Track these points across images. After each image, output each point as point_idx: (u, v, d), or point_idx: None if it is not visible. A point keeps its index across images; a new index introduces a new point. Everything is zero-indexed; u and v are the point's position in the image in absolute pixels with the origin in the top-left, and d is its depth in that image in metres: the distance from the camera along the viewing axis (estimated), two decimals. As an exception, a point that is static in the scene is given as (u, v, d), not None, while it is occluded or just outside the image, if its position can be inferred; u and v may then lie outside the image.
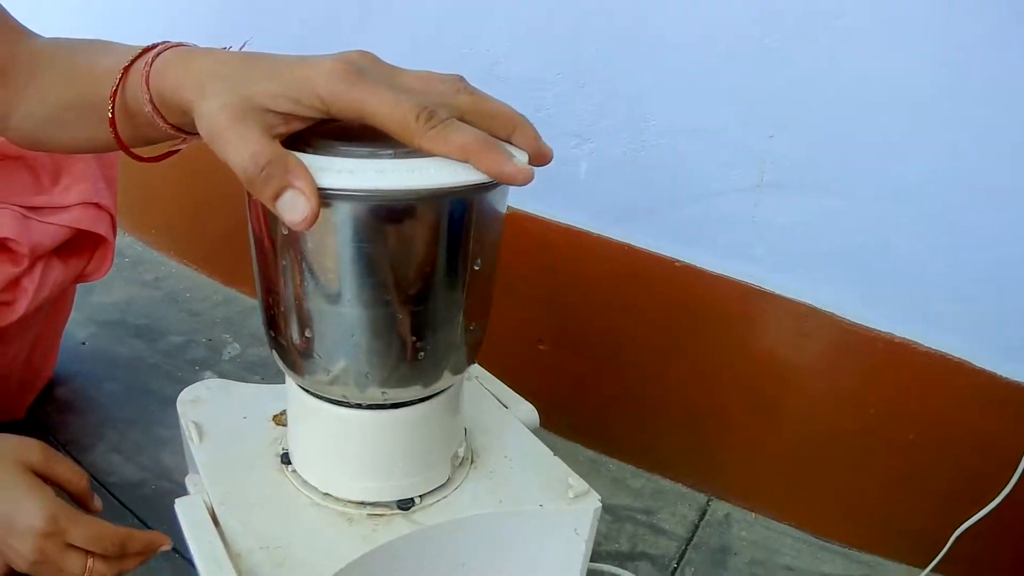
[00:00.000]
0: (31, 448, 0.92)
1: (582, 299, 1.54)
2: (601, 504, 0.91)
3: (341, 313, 0.72)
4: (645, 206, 1.44)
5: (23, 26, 0.98)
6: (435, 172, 0.65)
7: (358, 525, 0.85)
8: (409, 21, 1.58)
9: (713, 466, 1.52)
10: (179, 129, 0.80)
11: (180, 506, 0.85)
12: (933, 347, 1.26)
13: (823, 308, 1.32)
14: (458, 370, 0.83)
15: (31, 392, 1.62)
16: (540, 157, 0.71)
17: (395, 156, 0.66)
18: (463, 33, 1.52)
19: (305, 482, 0.89)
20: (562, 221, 1.51)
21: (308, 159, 0.64)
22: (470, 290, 0.76)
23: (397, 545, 0.84)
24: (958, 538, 1.27)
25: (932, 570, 1.31)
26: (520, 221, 1.50)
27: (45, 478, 0.92)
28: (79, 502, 0.94)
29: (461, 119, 0.67)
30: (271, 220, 0.71)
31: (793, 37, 1.22)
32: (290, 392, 0.88)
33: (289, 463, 0.92)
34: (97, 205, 1.38)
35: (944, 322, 1.25)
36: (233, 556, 0.78)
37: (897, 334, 1.28)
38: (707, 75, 1.31)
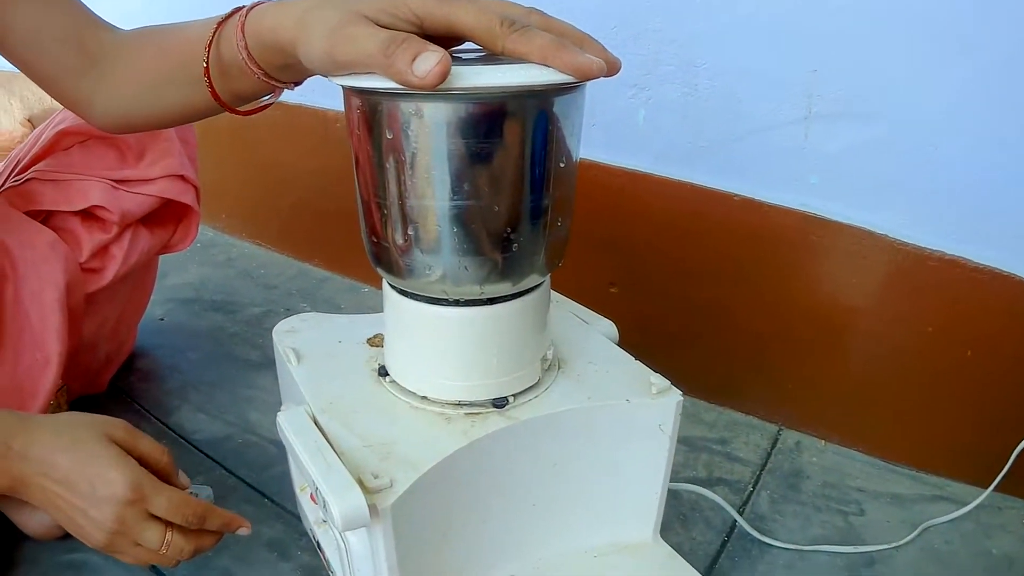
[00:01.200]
0: (115, 424, 0.95)
1: (649, 240, 1.58)
2: (682, 397, 0.96)
3: (441, 209, 0.78)
4: (702, 146, 1.47)
5: (106, 21, 1.04)
6: (521, 73, 0.71)
7: (456, 423, 0.90)
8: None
9: (782, 396, 1.56)
10: (270, 77, 0.87)
11: (282, 417, 0.90)
12: (983, 263, 1.28)
13: (877, 231, 1.35)
14: (547, 267, 0.88)
15: (114, 365, 1.66)
16: (609, 66, 0.75)
17: (483, 62, 0.72)
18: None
19: (403, 389, 0.94)
20: (625, 166, 1.55)
21: None
22: (556, 186, 0.82)
23: (493, 440, 0.89)
24: (1020, 455, 1.30)
25: (996, 489, 1.33)
26: (586, 169, 1.54)
27: (129, 453, 0.93)
28: (163, 478, 0.95)
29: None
30: (372, 127, 0.77)
31: None
32: (388, 301, 0.92)
33: (386, 375, 0.97)
34: (182, 177, 1.45)
35: (992, 238, 1.27)
36: (339, 454, 0.83)
37: (947, 251, 1.30)
38: (751, 17, 1.34)
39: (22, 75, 1.04)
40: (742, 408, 1.61)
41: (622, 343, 1.09)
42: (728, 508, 1.30)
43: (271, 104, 0.97)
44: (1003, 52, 1.16)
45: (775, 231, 1.43)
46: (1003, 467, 1.31)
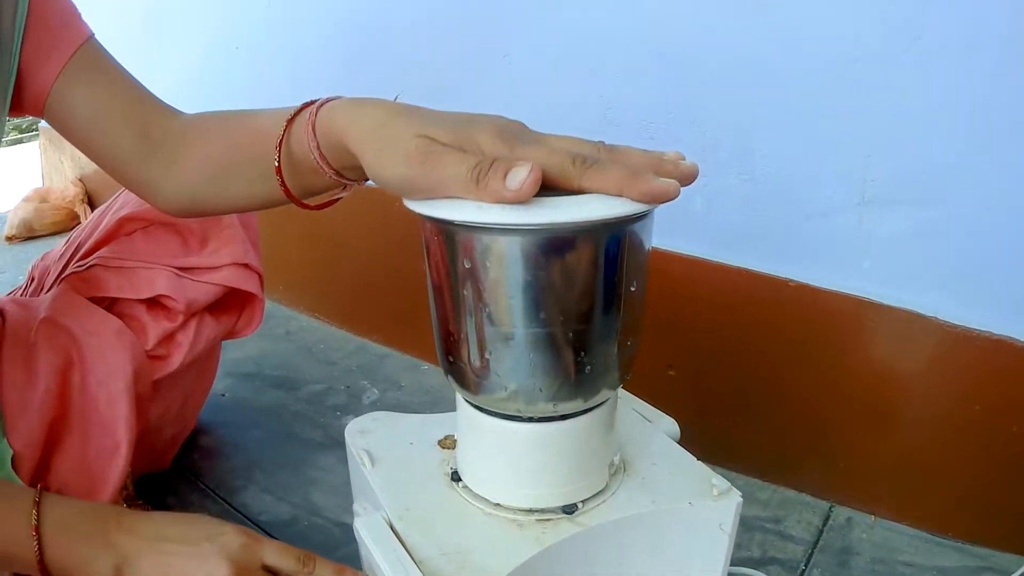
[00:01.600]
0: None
1: (705, 323, 1.61)
2: (742, 500, 0.99)
3: (518, 336, 0.81)
4: (757, 231, 1.51)
5: (169, 105, 1.08)
6: (598, 205, 0.74)
7: (528, 529, 0.92)
8: (525, 74, 1.66)
9: (834, 474, 1.58)
10: (342, 176, 0.90)
11: (360, 523, 0.93)
12: None
13: (926, 313, 1.38)
14: (616, 383, 0.91)
15: (178, 444, 1.70)
16: (686, 177, 0.78)
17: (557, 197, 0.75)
18: (577, 81, 1.61)
19: (476, 495, 0.96)
20: (682, 252, 1.59)
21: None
22: (626, 310, 0.84)
23: (564, 546, 0.91)
24: None
25: None
26: (645, 256, 1.56)
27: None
28: None
29: None
30: (451, 255, 0.80)
31: (879, 59, 1.30)
32: (462, 412, 0.95)
33: (459, 480, 0.99)
34: (246, 266, 1.48)
35: None
36: (418, 562, 0.86)
37: (995, 332, 1.33)
38: (806, 103, 1.38)
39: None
40: (795, 486, 1.63)
41: (682, 424, 1.13)
42: (784, 589, 1.31)
43: (341, 199, 1.00)
44: None
45: (829, 314, 1.46)
46: None
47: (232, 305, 1.53)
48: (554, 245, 0.76)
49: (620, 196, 0.73)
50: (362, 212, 2.10)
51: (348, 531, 1.02)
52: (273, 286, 2.36)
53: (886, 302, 1.42)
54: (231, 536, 0.95)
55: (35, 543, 0.93)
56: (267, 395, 1.99)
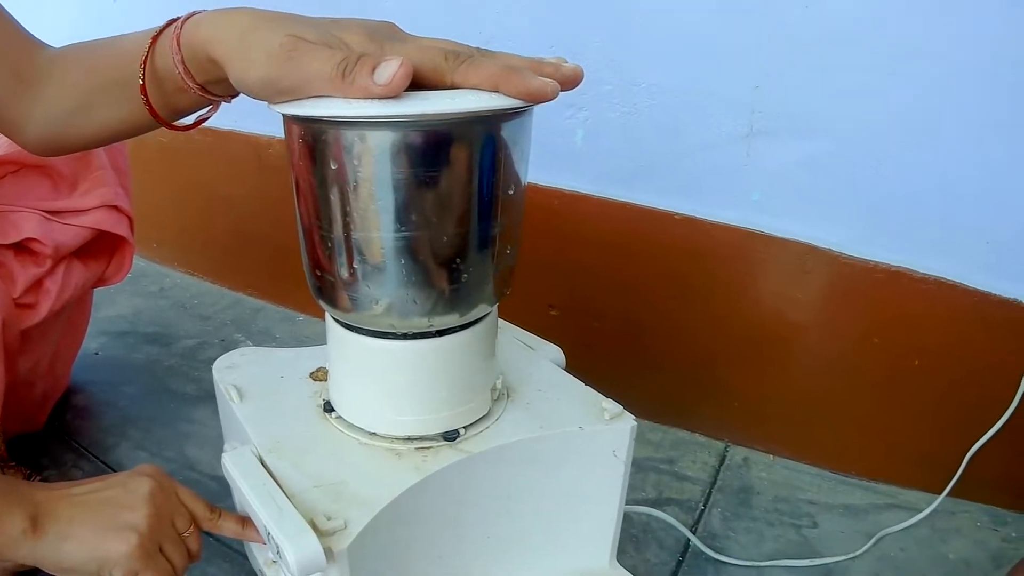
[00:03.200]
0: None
1: (588, 261, 1.57)
2: (636, 423, 0.95)
3: (388, 240, 0.76)
4: (642, 165, 1.47)
5: (37, 39, 1.01)
6: (472, 99, 0.69)
7: (407, 458, 0.87)
8: (403, 6, 1.60)
9: (728, 413, 1.55)
10: (206, 92, 0.84)
11: (228, 459, 0.88)
12: (929, 273, 1.29)
13: (821, 245, 1.35)
14: (495, 297, 0.86)
15: (51, 402, 1.63)
16: (568, 80, 0.74)
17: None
18: (455, 15, 1.56)
19: (351, 425, 0.92)
20: (564, 187, 1.55)
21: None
22: (505, 214, 0.80)
23: (446, 474, 0.87)
24: (971, 460, 1.32)
25: (949, 494, 1.34)
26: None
27: None
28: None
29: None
30: (318, 157, 0.75)
31: None
32: (333, 335, 0.90)
33: (332, 411, 0.94)
34: (116, 208, 1.40)
35: (936, 248, 1.28)
36: (290, 496, 0.81)
37: (894, 264, 1.31)
38: (692, 34, 1.34)
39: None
40: (688, 426, 1.61)
41: (567, 365, 1.08)
42: (681, 528, 1.29)
43: (208, 118, 0.95)
44: (949, 61, 1.17)
45: (718, 249, 1.43)
46: (955, 472, 1.33)
47: (102, 251, 1.46)
48: (425, 141, 0.71)
49: (496, 91, 0.69)
50: (233, 163, 2.03)
51: (225, 484, 0.97)
52: (147, 243, 2.31)
53: (777, 234, 1.38)
54: (148, 469, 0.92)
55: None
56: (141, 352, 1.92)
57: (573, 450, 0.94)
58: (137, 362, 1.87)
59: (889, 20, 1.18)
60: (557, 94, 0.71)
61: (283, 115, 0.76)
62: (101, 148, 1.38)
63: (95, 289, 1.56)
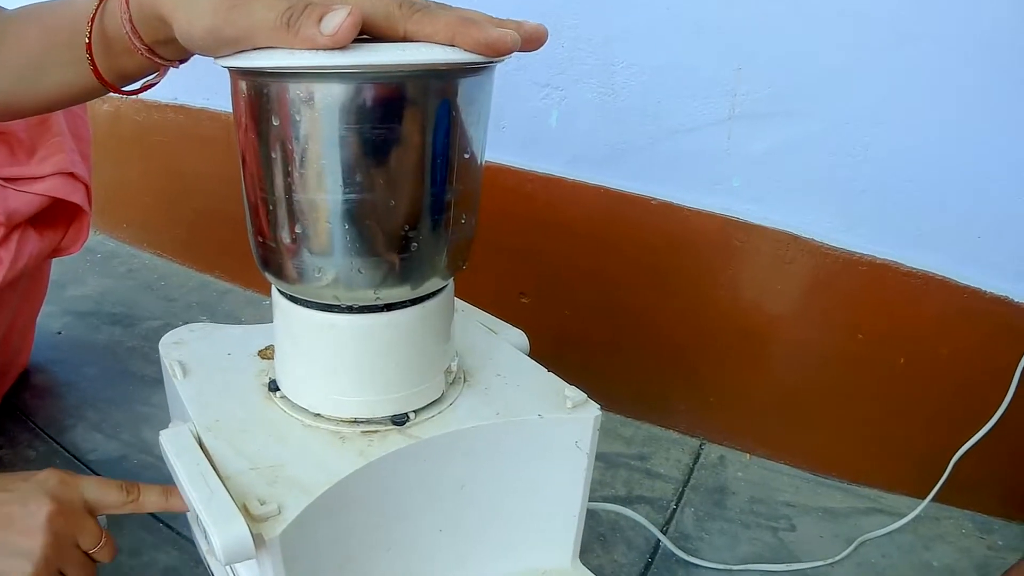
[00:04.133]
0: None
1: (561, 247, 1.53)
2: (600, 413, 0.90)
3: (332, 203, 0.71)
4: (618, 148, 1.43)
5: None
6: (425, 51, 0.65)
7: (351, 442, 0.83)
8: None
9: (704, 409, 1.52)
10: (154, 53, 0.80)
11: (164, 437, 0.84)
12: (916, 266, 1.25)
13: (804, 235, 1.31)
14: (449, 270, 0.81)
15: (8, 379, 1.59)
16: (531, 37, 0.69)
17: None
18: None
19: (294, 405, 0.87)
20: (537, 170, 1.50)
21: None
22: (460, 179, 0.75)
23: (392, 460, 0.82)
24: (958, 463, 1.28)
25: (933, 499, 1.31)
26: (495, 173, 1.48)
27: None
28: None
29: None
30: (259, 113, 0.70)
31: None
32: (277, 309, 0.85)
33: (277, 390, 0.90)
34: (72, 175, 1.36)
35: (925, 241, 1.24)
36: (223, 478, 0.76)
37: (879, 256, 1.27)
38: (672, 13, 1.30)
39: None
40: (661, 422, 1.57)
41: (534, 356, 1.03)
42: (651, 527, 1.25)
43: (155, 84, 0.91)
44: (937, 43, 1.13)
45: (695, 236, 1.39)
46: (940, 476, 1.29)
47: (58, 220, 1.42)
48: (373, 96, 0.66)
49: (452, 44, 0.65)
50: (203, 142, 1.98)
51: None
52: (117, 224, 2.28)
53: (758, 222, 1.35)
54: (46, 474, 0.87)
55: None
56: (103, 332, 1.89)
57: (532, 440, 0.89)
58: (99, 343, 1.85)
59: (872, 2, 1.15)
60: (517, 46, 0.66)
61: (225, 68, 0.71)
62: (60, 113, 1.35)
63: (62, 268, 1.52)
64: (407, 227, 0.73)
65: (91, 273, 2.16)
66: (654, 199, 1.41)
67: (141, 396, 1.62)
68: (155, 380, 1.64)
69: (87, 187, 1.41)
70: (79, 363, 1.76)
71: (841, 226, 1.29)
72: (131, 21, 0.77)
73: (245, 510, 0.71)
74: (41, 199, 1.33)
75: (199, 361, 0.98)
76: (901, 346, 1.30)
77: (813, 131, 1.26)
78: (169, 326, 1.76)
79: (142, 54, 0.80)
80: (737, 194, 1.35)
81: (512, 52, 0.66)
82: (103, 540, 0.87)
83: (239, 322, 1.89)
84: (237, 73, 0.71)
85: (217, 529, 0.68)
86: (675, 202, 1.40)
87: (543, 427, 0.89)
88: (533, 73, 1.41)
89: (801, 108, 1.26)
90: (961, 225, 1.22)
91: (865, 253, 1.28)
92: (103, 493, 0.88)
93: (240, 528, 0.68)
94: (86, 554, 0.87)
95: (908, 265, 1.26)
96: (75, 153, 1.39)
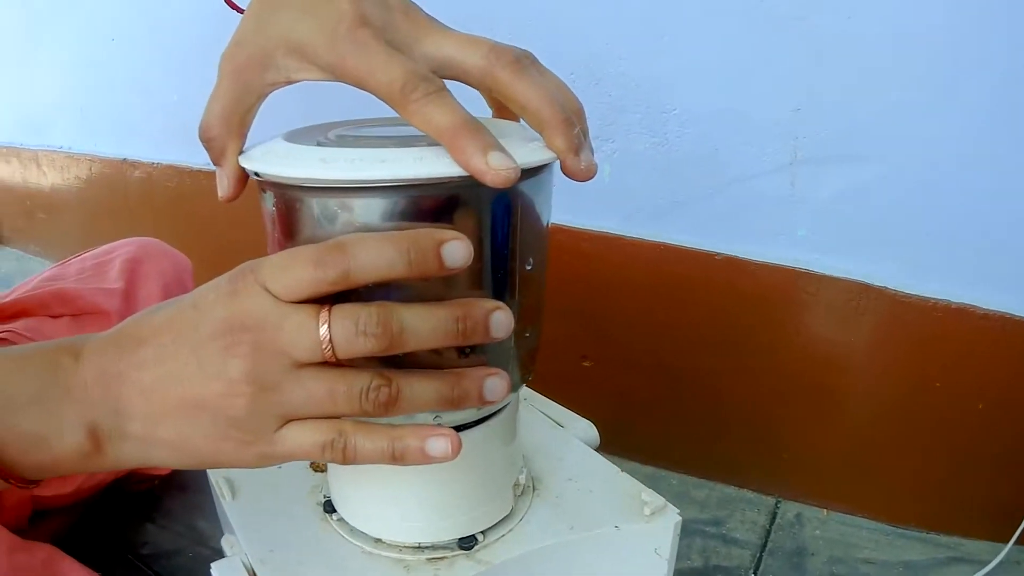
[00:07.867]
0: None
1: (622, 307, 1.50)
2: (681, 518, 0.85)
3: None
4: (676, 200, 1.39)
5: None
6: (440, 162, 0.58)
7: (416, 571, 0.77)
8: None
9: (778, 466, 1.47)
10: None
11: (216, 569, 0.79)
12: (993, 308, 1.21)
13: (874, 283, 1.28)
14: (515, 384, 0.74)
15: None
16: (574, 171, 0.62)
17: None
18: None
19: (353, 530, 0.81)
20: (592, 228, 1.47)
21: (315, 151, 0.61)
22: (522, 293, 0.69)
23: (463, 590, 0.76)
24: None
25: (1016, 542, 1.25)
26: (549, 233, 1.43)
27: None
28: None
29: (491, 98, 0.59)
30: (297, 225, 0.64)
31: (809, 2, 1.18)
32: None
33: (333, 511, 0.84)
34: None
35: (1001, 282, 1.20)
36: None
37: (954, 300, 1.23)
38: (726, 55, 1.26)
39: None
40: (734, 482, 1.53)
41: (598, 423, 1.00)
42: (733, 604, 1.19)
43: None
44: (1012, 74, 1.09)
45: (762, 290, 1.35)
46: (1022, 519, 1.24)
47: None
48: (419, 207, 0.60)
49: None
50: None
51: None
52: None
53: (827, 272, 1.31)
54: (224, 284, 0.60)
55: None
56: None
57: (610, 552, 0.84)
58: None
59: (943, 30, 1.11)
60: (504, 183, 0.56)
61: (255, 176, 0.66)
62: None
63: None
64: (467, 348, 0.67)
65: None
66: (718, 254, 1.37)
67: (191, 482, 1.56)
68: (205, 464, 1.60)
69: None
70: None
71: (913, 271, 1.25)
72: None
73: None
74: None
75: (247, 477, 0.92)
76: (979, 391, 1.26)
77: (879, 172, 1.22)
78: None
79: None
80: (803, 244, 1.31)
81: (505, 187, 0.57)
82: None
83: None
84: (269, 185, 0.65)
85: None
86: (739, 255, 1.36)
87: (620, 538, 0.83)
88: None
89: (865, 149, 1.22)
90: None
91: (940, 298, 1.24)
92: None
93: None
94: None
95: (984, 307, 1.22)
96: None
